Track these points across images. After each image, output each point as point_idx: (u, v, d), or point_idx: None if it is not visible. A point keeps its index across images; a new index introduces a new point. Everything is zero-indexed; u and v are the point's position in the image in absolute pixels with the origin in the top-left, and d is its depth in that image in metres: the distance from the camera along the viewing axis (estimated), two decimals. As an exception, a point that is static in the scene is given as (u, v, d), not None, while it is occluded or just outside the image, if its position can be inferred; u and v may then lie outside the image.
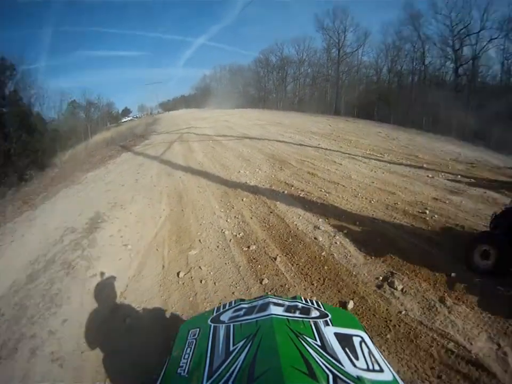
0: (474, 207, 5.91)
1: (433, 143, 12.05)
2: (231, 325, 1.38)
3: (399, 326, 3.27)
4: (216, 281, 4.80)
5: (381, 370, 1.08)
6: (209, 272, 5.05)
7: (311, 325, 1.29)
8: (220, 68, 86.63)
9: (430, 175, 7.62)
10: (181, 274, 5.15)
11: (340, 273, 4.27)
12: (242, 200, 7.47)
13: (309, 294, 4.01)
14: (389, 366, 1.12)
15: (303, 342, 1.14)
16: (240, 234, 5.95)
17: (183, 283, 4.96)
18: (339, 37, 46.73)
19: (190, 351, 1.31)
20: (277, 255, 5.03)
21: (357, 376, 0.99)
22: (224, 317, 1.50)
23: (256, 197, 7.48)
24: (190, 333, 1.47)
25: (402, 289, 3.78)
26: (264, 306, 1.45)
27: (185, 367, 1.21)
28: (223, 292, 4.52)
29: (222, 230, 6.28)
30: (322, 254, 4.77)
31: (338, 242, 4.97)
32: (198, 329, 1.47)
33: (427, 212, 5.71)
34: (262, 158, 11.00)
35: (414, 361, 2.97)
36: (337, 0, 49.25)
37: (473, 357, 2.88)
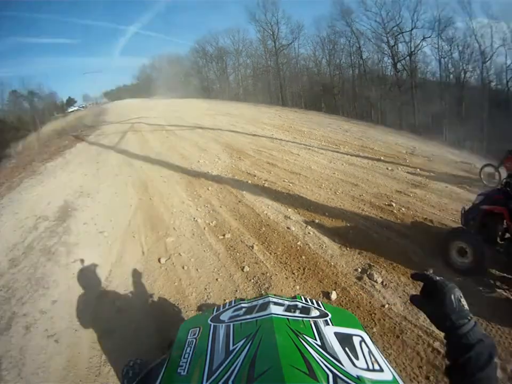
0: (439, 201, 6.22)
1: (386, 136, 12.39)
2: (231, 324, 1.40)
3: (384, 320, 3.43)
4: (198, 267, 4.96)
5: (381, 370, 1.10)
6: (190, 259, 5.20)
7: (311, 325, 1.31)
8: (158, 57, 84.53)
9: (390, 168, 7.93)
10: (162, 260, 5.28)
11: (318, 264, 4.45)
12: (208, 189, 7.61)
13: (291, 283, 4.20)
14: (389, 365, 1.14)
15: (303, 341, 1.15)
16: (213, 222, 6.11)
17: (166, 269, 5.10)
18: (272, 29, 46.65)
19: (190, 350, 1.33)
20: (254, 243, 5.21)
21: (357, 376, 1.01)
22: (224, 316, 1.53)
23: (221, 186, 7.64)
24: (190, 332, 1.49)
25: (382, 282, 3.96)
26: (264, 306, 1.47)
27: (185, 367, 1.23)
28: (207, 278, 4.68)
29: (194, 218, 6.42)
30: (298, 243, 4.97)
31: (311, 233, 5.18)
32: (198, 329, 1.49)
33: (393, 204, 5.99)
34: (218, 147, 11.12)
35: (402, 359, 3.09)
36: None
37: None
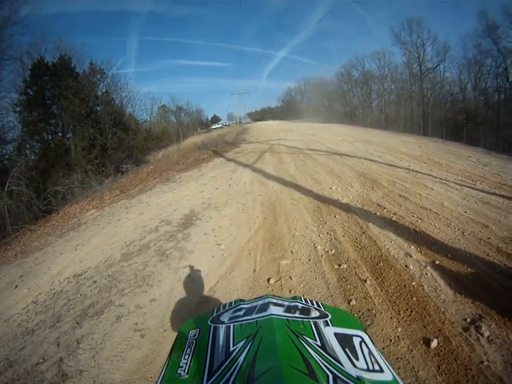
0: None
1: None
2: (231, 325, 1.40)
3: (478, 377, 3.09)
4: (305, 293, 4.89)
5: (381, 371, 1.09)
6: (299, 284, 5.16)
7: (311, 325, 1.31)
8: (304, 81, 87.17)
9: (527, 210, 7.28)
10: (271, 281, 5.32)
11: (427, 308, 4.16)
12: (335, 217, 7.49)
13: (394, 323, 3.98)
14: (389, 366, 1.14)
15: (303, 342, 1.15)
16: (332, 251, 6.01)
17: (272, 290, 5.11)
18: (418, 51, 45.34)
19: (190, 351, 1.33)
20: (367, 277, 5.02)
21: (357, 376, 1.01)
22: (224, 317, 1.53)
23: (348, 215, 7.48)
24: (190, 333, 1.49)
25: (488, 337, 3.55)
26: (264, 307, 1.48)
27: (185, 367, 1.23)
28: None
29: (314, 244, 6.36)
30: (412, 283, 4.68)
31: (429, 274, 4.86)
32: (198, 330, 1.50)
33: (523, 252, 5.42)
34: (353, 175, 10.92)
35: None
36: (411, 13, 47.55)
37: None
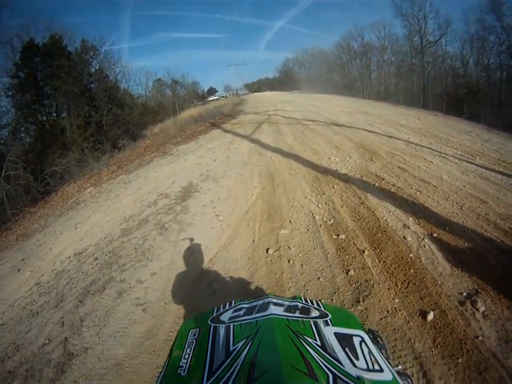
0: None
1: (530, 151, 11.51)
2: (231, 325, 1.40)
3: (473, 352, 3.15)
4: (303, 263, 4.97)
5: (381, 370, 1.10)
6: (298, 254, 5.23)
7: (311, 325, 1.32)
8: (302, 51, 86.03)
9: (528, 189, 7.27)
10: (270, 251, 5.38)
11: (424, 280, 4.20)
12: (333, 187, 7.51)
13: (391, 295, 4.03)
14: (388, 366, 1.15)
15: (303, 341, 1.16)
16: (331, 221, 6.04)
17: (271, 260, 5.19)
18: (420, 24, 44.63)
19: (190, 351, 1.34)
20: (365, 248, 5.06)
21: (357, 376, 1.02)
22: (224, 317, 1.54)
23: (347, 185, 7.49)
24: (190, 333, 1.50)
25: (483, 312, 3.59)
26: (264, 306, 1.49)
27: (185, 367, 1.24)
28: (309, 275, 4.68)
29: (313, 214, 6.41)
30: (410, 255, 4.72)
31: (426, 246, 4.89)
32: (198, 329, 1.50)
33: (520, 229, 5.45)
34: (351, 146, 10.90)
35: None
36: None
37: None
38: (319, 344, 1.17)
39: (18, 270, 6.93)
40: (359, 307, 3.95)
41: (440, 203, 6.16)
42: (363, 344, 1.24)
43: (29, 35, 32.22)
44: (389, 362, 1.25)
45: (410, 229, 5.41)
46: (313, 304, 1.58)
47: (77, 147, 26.72)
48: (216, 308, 1.70)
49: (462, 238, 4.98)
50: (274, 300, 1.57)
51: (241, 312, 1.53)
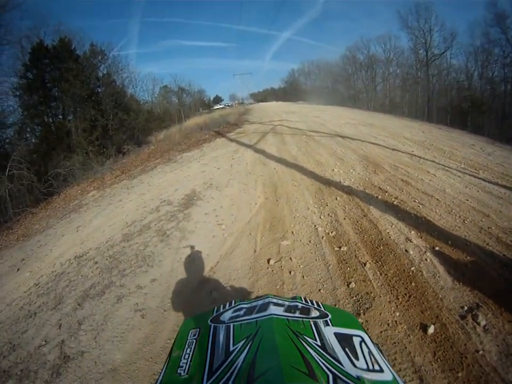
0: None
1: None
2: (231, 325, 1.40)
3: (473, 366, 3.12)
4: (304, 275, 4.94)
5: (381, 370, 1.09)
6: (299, 265, 5.20)
7: (311, 325, 1.31)
8: (308, 62, 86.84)
9: (530, 202, 7.20)
10: (271, 262, 5.36)
11: (426, 293, 4.17)
12: (336, 199, 7.49)
13: (392, 308, 4.01)
14: (389, 366, 1.14)
15: (303, 342, 1.15)
16: (333, 233, 6.03)
17: (272, 270, 5.16)
18: (425, 37, 44.85)
19: (190, 351, 1.33)
20: (367, 261, 5.04)
21: (357, 376, 1.01)
22: (224, 317, 1.53)
23: (350, 197, 7.47)
24: (190, 333, 1.49)
25: (484, 326, 3.56)
26: (264, 306, 1.48)
27: (185, 367, 1.23)
28: (310, 286, 4.66)
29: (315, 225, 6.39)
30: (411, 268, 4.69)
31: (428, 260, 4.86)
32: (198, 329, 1.49)
33: (522, 243, 5.40)
34: (355, 158, 10.86)
35: None
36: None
37: None
38: (319, 344, 1.17)
39: (18, 270, 6.96)
40: (360, 320, 3.90)
41: (442, 216, 6.12)
42: (363, 344, 1.23)
43: (38, 37, 32.45)
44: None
45: (412, 242, 5.38)
46: (313, 305, 1.57)
47: (81, 150, 26.80)
48: (216, 308, 1.70)
49: (464, 252, 4.95)
50: (274, 300, 1.57)
51: (241, 312, 1.53)
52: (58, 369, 3.89)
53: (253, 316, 1.43)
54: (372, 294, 4.32)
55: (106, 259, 6.31)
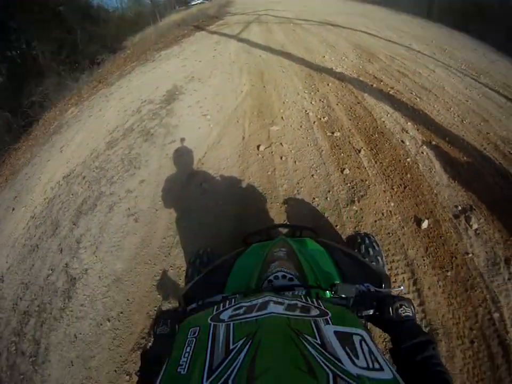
0: None
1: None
2: (231, 323, 1.25)
3: (462, 268, 3.15)
4: (296, 160, 4.86)
5: (381, 369, 0.98)
6: (291, 150, 5.09)
7: (311, 324, 1.17)
8: None
9: (530, 115, 7.04)
10: (261, 148, 5.24)
11: (421, 187, 4.13)
12: (328, 85, 7.19)
13: (387, 197, 3.97)
14: (389, 364, 1.02)
15: (303, 340, 1.04)
16: (325, 118, 5.84)
17: (263, 156, 5.06)
18: None
19: (190, 349, 1.18)
20: (361, 147, 4.93)
21: (357, 375, 0.91)
22: (224, 316, 1.36)
23: (342, 84, 7.18)
24: (190, 331, 1.30)
25: (476, 230, 3.54)
26: (264, 305, 1.35)
27: (185, 366, 1.09)
28: (303, 172, 4.60)
29: (306, 111, 6.17)
30: (407, 159, 4.61)
31: (424, 153, 4.75)
32: (198, 328, 1.30)
33: (520, 155, 5.34)
34: (347, 46, 10.26)
35: (459, 313, 2.88)
36: None
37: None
38: (319, 342, 1.03)
39: (13, 209, 6.77)
40: (354, 207, 3.90)
41: (440, 112, 5.92)
42: (363, 343, 1.08)
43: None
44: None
45: (408, 133, 5.24)
46: (313, 303, 1.40)
47: (52, 73, 25.74)
48: (216, 307, 1.50)
49: (461, 151, 4.83)
50: (274, 299, 1.40)
51: (241, 311, 1.35)
52: (68, 293, 3.97)
53: (253, 314, 1.28)
54: (367, 182, 4.27)
55: (93, 171, 6.16)
